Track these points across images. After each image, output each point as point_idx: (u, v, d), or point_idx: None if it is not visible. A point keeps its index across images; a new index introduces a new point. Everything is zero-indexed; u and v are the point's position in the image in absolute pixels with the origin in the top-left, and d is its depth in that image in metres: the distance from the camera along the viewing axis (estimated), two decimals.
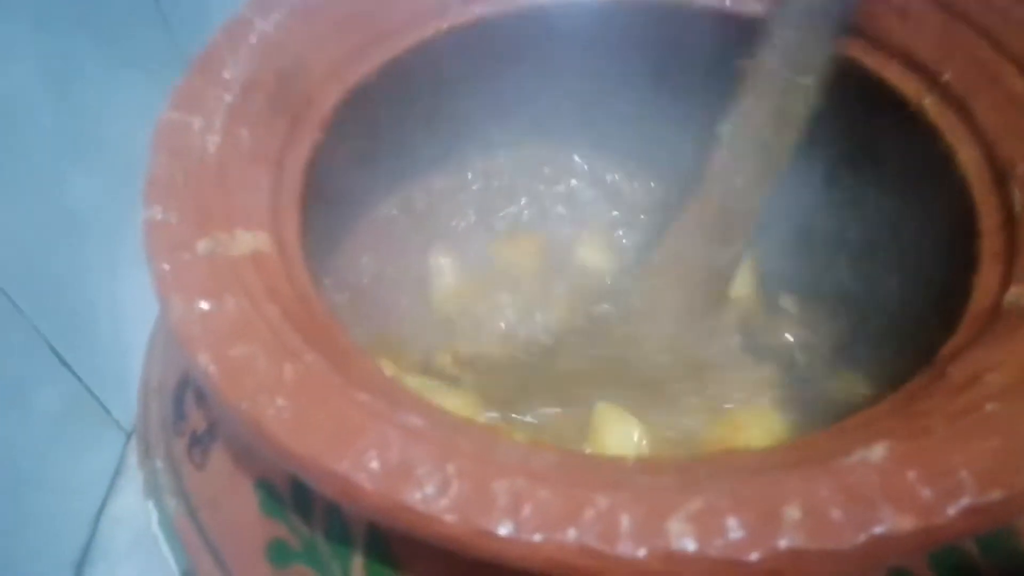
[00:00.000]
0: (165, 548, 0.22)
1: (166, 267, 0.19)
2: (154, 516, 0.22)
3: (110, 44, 0.41)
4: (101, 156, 0.40)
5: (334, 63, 0.27)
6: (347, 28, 0.28)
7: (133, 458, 0.40)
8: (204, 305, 0.19)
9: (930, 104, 0.25)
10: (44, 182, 0.36)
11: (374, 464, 0.15)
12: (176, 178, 0.22)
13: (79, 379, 0.38)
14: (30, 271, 0.35)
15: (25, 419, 0.35)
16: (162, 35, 0.47)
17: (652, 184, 0.37)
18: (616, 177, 0.37)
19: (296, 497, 0.19)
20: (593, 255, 0.36)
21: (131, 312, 0.41)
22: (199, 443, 0.22)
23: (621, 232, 0.37)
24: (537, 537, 0.14)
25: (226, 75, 0.25)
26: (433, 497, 0.15)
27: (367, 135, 0.29)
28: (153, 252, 0.20)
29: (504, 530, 0.14)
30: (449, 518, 0.14)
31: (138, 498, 0.24)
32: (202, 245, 0.20)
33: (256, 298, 0.19)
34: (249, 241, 0.21)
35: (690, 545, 0.13)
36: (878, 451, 0.15)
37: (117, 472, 0.41)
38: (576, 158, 0.37)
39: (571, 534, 0.14)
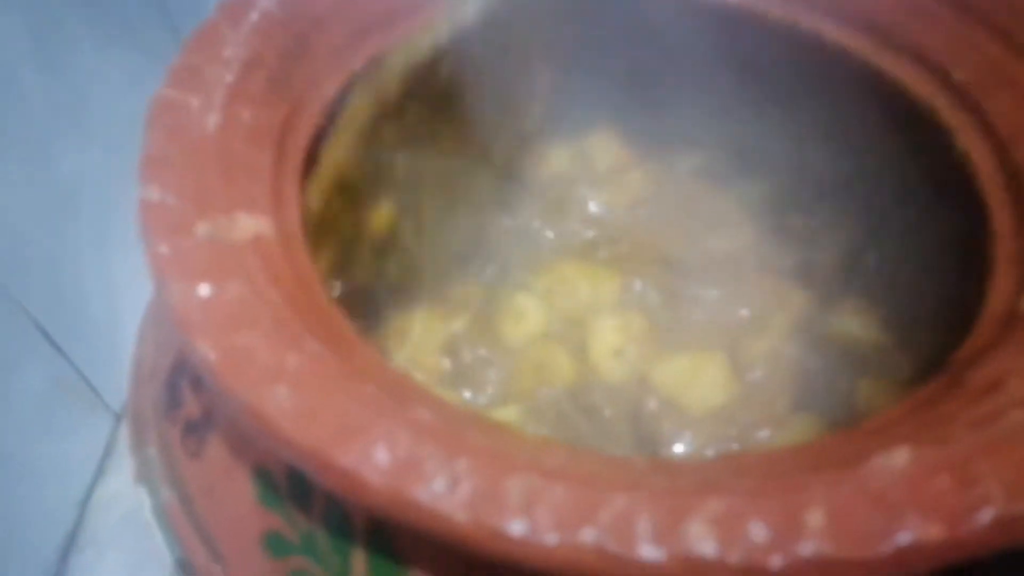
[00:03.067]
0: (158, 536, 0.22)
1: (164, 250, 0.19)
2: (147, 503, 0.22)
3: (102, 17, 0.41)
4: (91, 131, 0.39)
5: (337, 45, 0.26)
6: (351, 8, 0.27)
7: (123, 441, 0.40)
8: (204, 290, 0.18)
9: (942, 104, 0.24)
10: (33, 157, 0.36)
11: (381, 458, 0.15)
12: (173, 157, 0.21)
13: (67, 359, 0.37)
14: (17, 247, 0.34)
15: (10, 400, 0.34)
16: (155, 10, 0.46)
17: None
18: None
19: (294, 488, 0.19)
20: None
21: (122, 290, 0.40)
22: (194, 431, 0.21)
23: None
24: (551, 538, 0.14)
25: (226, 53, 0.24)
26: (443, 494, 0.14)
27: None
28: (150, 234, 0.19)
29: (517, 530, 0.14)
30: (459, 516, 0.14)
31: (127, 482, 0.23)
32: (201, 228, 0.19)
33: (258, 284, 0.19)
34: (250, 225, 0.20)
35: (710, 549, 0.13)
36: (901, 456, 0.15)
37: (106, 455, 0.40)
38: (595, 151, 0.36)
39: (587, 535, 0.13)
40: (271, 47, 0.25)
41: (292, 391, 0.16)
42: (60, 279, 0.37)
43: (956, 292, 0.22)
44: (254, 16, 0.25)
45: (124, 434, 0.29)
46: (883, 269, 0.28)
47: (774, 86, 0.29)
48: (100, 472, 0.39)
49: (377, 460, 0.15)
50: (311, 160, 0.24)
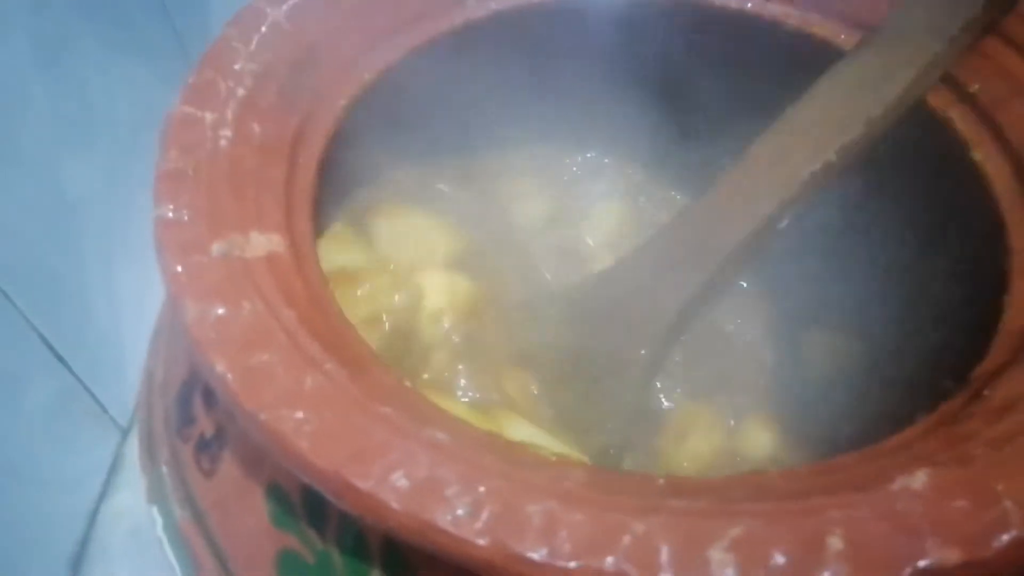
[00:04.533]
0: (170, 554, 0.22)
1: (179, 269, 0.19)
2: (158, 521, 0.22)
3: (107, 27, 0.41)
4: (97, 143, 0.39)
5: (347, 56, 0.26)
6: (360, 20, 0.27)
7: (129, 455, 0.40)
8: (220, 310, 0.18)
9: (957, 116, 0.24)
10: (38, 168, 0.35)
11: (401, 482, 0.15)
12: (187, 174, 0.21)
13: (73, 373, 0.37)
14: (23, 260, 0.34)
15: (17, 414, 0.34)
16: (160, 19, 0.46)
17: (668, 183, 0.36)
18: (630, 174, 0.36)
19: (309, 508, 0.19)
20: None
21: (128, 304, 0.40)
22: (207, 448, 0.21)
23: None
24: (572, 564, 0.13)
25: (238, 67, 0.24)
26: (464, 519, 0.14)
27: (378, 130, 0.29)
28: (165, 252, 0.19)
29: (538, 555, 0.14)
30: (481, 541, 0.14)
31: (135, 496, 0.23)
32: (216, 247, 0.19)
33: (272, 303, 0.19)
34: (263, 243, 0.20)
35: None
36: (920, 478, 0.15)
37: (113, 469, 0.40)
38: (589, 156, 0.36)
39: (608, 562, 0.13)
40: (281, 59, 0.25)
41: (310, 413, 0.16)
42: (65, 292, 0.37)
43: (975, 308, 0.22)
44: (264, 28, 0.25)
45: (132, 448, 0.29)
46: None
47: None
48: (108, 486, 0.39)
49: (396, 484, 0.15)
50: (323, 172, 0.24)
